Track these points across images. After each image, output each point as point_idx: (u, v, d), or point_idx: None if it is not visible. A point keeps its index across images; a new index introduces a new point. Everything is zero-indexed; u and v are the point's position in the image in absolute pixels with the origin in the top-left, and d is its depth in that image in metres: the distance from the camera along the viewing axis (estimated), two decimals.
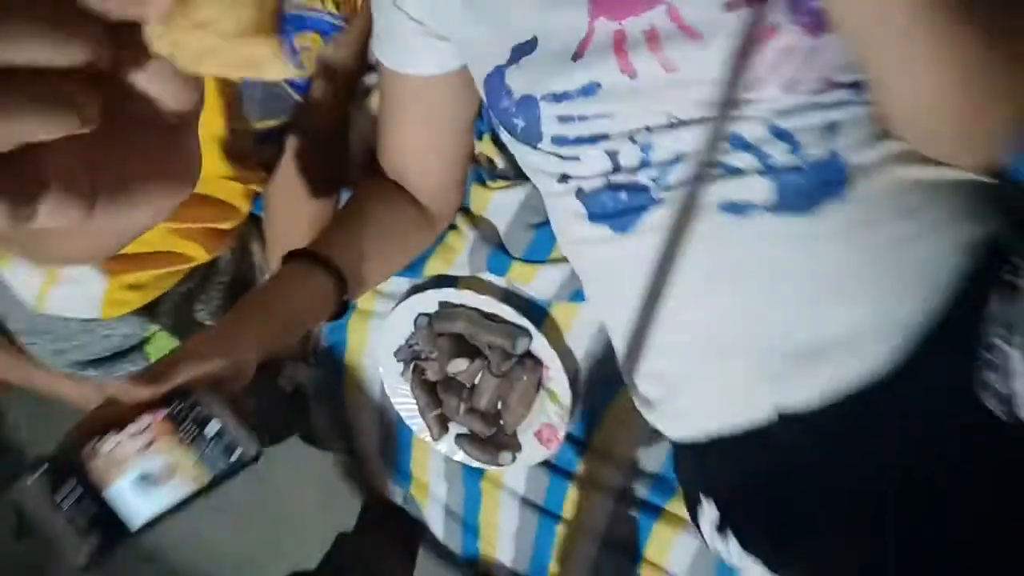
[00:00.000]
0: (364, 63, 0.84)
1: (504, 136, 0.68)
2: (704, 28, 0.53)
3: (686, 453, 0.70)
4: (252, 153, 0.77)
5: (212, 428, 0.52)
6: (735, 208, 0.57)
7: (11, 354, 0.94)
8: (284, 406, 1.02)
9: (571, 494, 0.91)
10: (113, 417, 0.50)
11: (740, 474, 0.64)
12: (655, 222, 0.60)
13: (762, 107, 0.55)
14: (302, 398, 1.03)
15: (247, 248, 0.94)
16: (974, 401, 0.55)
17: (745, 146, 0.56)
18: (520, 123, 0.61)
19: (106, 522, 0.47)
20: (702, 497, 0.68)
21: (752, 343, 0.60)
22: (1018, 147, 0.59)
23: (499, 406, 0.90)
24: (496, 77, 0.61)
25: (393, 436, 1.01)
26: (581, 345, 0.84)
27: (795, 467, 0.60)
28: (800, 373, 0.59)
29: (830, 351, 0.57)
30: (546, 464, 0.91)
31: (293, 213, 0.85)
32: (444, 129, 0.77)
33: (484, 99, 0.65)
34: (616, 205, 0.62)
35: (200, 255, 0.82)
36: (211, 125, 0.70)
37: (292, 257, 0.69)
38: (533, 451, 0.89)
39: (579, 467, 0.89)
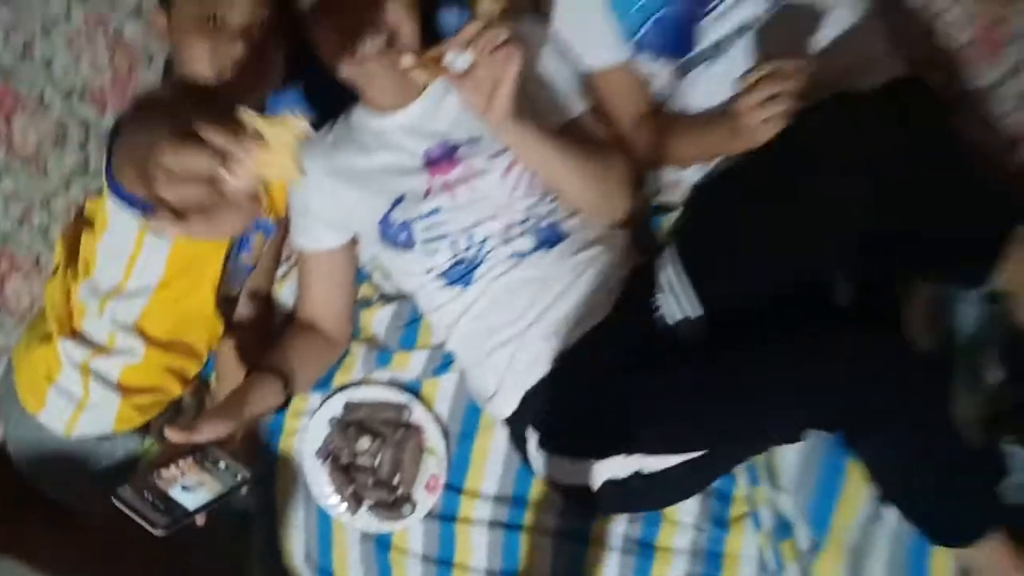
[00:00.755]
0: (279, 261, 1.33)
1: (388, 257, 1.17)
2: (484, 168, 1.08)
3: (514, 415, 1.11)
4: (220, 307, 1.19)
5: (221, 464, 0.91)
6: (517, 255, 1.08)
7: None
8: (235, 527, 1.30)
9: (458, 536, 1.24)
10: (164, 460, 0.89)
11: (544, 406, 1.07)
12: (481, 275, 1.09)
13: (519, 204, 1.08)
14: (248, 519, 1.31)
15: (203, 397, 1.31)
16: (652, 320, 1.03)
17: (514, 225, 1.08)
18: (403, 236, 1.11)
19: (171, 508, 0.83)
20: (527, 433, 1.08)
21: (538, 321, 1.07)
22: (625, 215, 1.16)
23: (396, 478, 1.25)
24: (384, 219, 1.12)
25: (315, 540, 1.29)
26: (445, 408, 1.25)
27: (572, 387, 1.05)
28: (567, 329, 1.06)
29: (575, 315, 1.06)
30: (436, 516, 1.24)
31: (236, 362, 1.25)
32: (338, 281, 1.23)
33: (378, 233, 1.13)
34: (460, 273, 1.11)
35: (176, 391, 1.19)
36: (212, 269, 1.11)
37: (253, 370, 1.10)
38: (425, 501, 1.23)
39: (460, 510, 1.24)
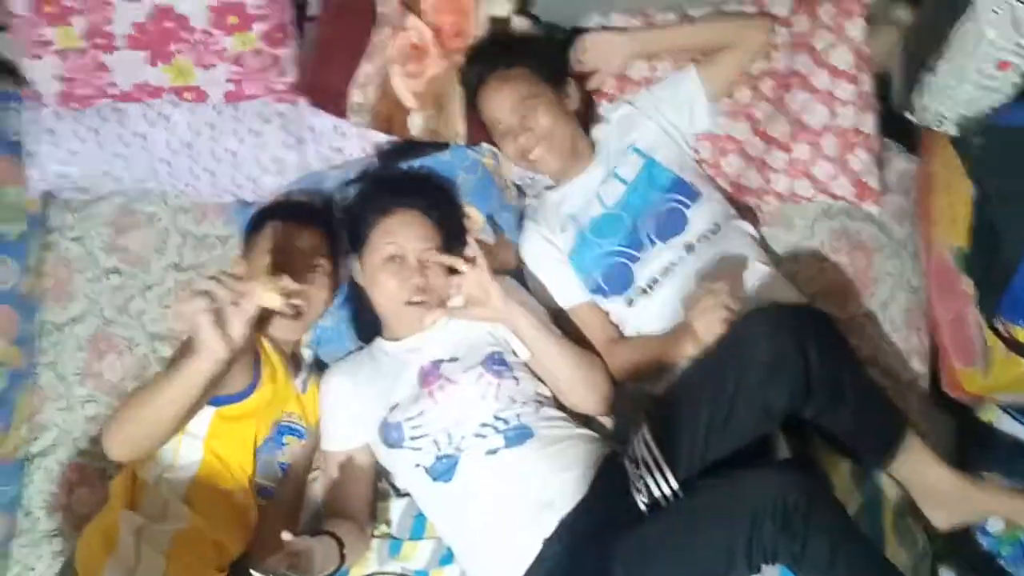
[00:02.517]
0: (310, 465, 1.57)
1: (386, 457, 1.43)
2: (458, 380, 1.38)
3: None
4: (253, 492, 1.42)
5: None
6: (491, 451, 1.33)
7: None
8: None
9: None
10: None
11: None
12: (461, 470, 1.34)
13: (488, 408, 1.36)
14: None
15: None
16: (630, 493, 1.24)
17: (486, 425, 1.35)
18: (395, 435, 1.38)
19: None
20: None
21: (520, 510, 1.29)
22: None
23: None
24: (382, 421, 1.41)
25: None
26: None
27: (562, 562, 1.24)
28: (545, 514, 1.28)
29: (554, 500, 1.28)
30: None
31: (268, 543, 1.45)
32: (358, 478, 1.47)
33: (379, 433, 1.41)
34: (442, 468, 1.35)
35: (211, 570, 1.36)
36: (245, 452, 1.37)
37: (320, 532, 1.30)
38: None
39: None
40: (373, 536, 1.48)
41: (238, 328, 1.10)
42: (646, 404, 1.47)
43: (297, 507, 1.52)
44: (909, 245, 1.58)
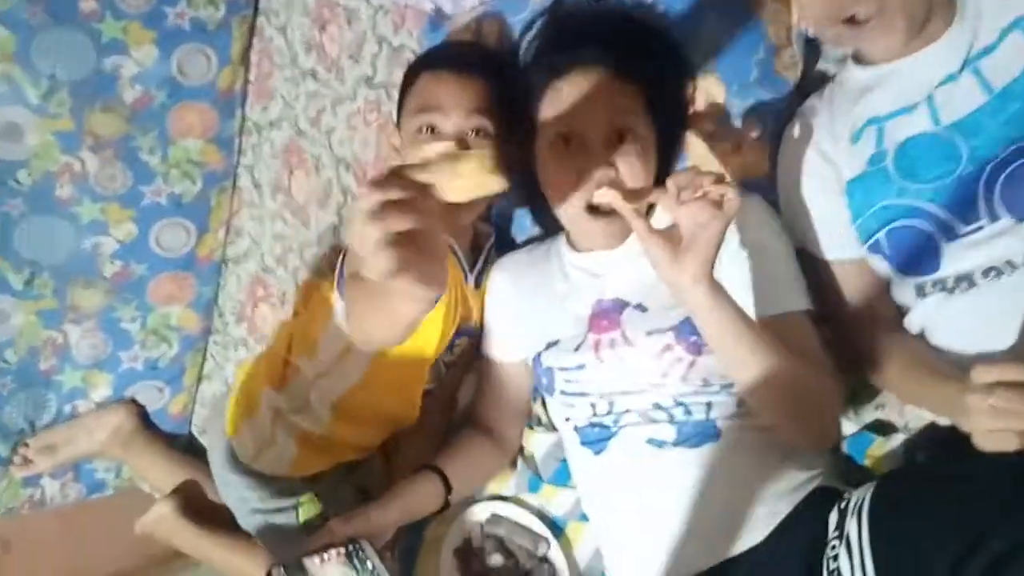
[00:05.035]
0: (471, 360, 1.35)
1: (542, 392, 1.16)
2: (636, 341, 1.01)
3: None
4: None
5: (368, 564, 0.96)
6: (655, 443, 1.00)
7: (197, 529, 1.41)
8: None
9: None
10: (319, 547, 0.96)
11: None
12: (614, 447, 1.03)
13: (669, 388, 1.00)
14: None
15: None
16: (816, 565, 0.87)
17: (660, 408, 1.00)
18: (545, 381, 1.10)
19: None
20: None
21: (663, 530, 0.98)
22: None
23: None
24: (536, 357, 1.12)
25: None
26: (585, 556, 1.20)
27: None
28: (692, 549, 0.96)
29: (710, 538, 0.95)
30: None
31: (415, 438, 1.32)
32: (513, 393, 1.23)
33: (533, 364, 1.14)
34: (594, 436, 1.06)
35: (349, 456, 1.28)
36: (416, 378, 1.20)
37: (423, 468, 1.14)
38: None
39: None
40: (520, 456, 1.29)
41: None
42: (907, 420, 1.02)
43: (450, 403, 1.35)
44: None
